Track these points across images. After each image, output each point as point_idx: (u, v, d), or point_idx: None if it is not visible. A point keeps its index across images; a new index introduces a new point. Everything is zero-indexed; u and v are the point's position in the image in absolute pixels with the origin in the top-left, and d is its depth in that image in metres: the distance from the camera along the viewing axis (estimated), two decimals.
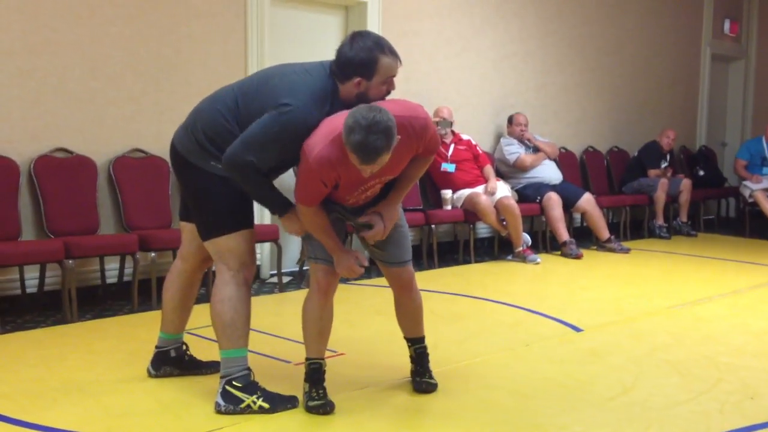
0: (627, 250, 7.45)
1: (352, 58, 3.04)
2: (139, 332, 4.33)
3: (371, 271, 6.48)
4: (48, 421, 3.03)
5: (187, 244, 3.48)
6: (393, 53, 3.11)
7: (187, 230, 3.43)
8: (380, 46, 3.08)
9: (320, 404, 3.17)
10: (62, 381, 3.53)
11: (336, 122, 2.97)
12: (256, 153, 2.98)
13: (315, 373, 3.23)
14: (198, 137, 3.18)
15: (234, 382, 3.15)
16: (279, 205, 3.19)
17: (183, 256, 3.51)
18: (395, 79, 3.18)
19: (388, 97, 3.18)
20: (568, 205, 7.55)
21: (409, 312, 3.50)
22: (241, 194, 3.19)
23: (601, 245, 7.52)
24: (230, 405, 3.13)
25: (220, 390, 3.15)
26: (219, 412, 3.13)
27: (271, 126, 2.99)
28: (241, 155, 3.00)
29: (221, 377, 3.18)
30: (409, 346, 3.55)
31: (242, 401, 3.13)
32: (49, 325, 4.60)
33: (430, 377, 3.50)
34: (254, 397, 3.14)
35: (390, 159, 2.92)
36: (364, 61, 3.03)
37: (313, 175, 2.96)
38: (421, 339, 3.54)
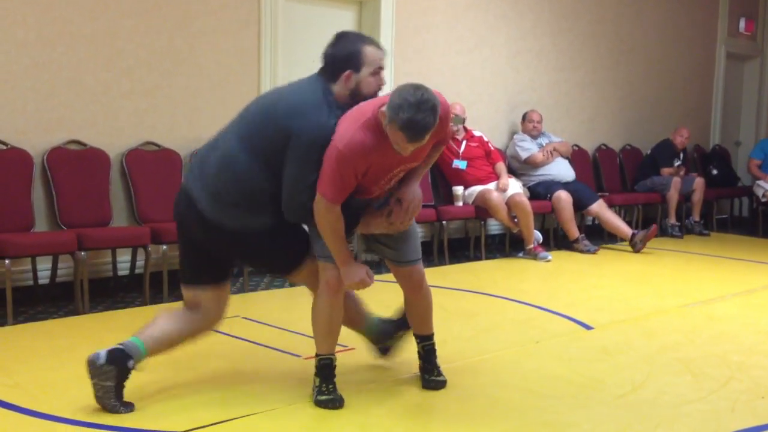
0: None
1: (337, 53, 3.12)
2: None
3: (381, 266, 6.49)
4: (59, 412, 3.06)
5: (211, 307, 3.28)
6: (376, 44, 3.17)
7: (209, 296, 3.27)
8: (362, 37, 3.19)
9: (330, 399, 3.18)
10: (73, 372, 3.54)
11: (363, 109, 3.00)
12: (308, 187, 3.01)
13: (325, 369, 3.24)
14: (237, 201, 3.10)
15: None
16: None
17: (208, 318, 3.31)
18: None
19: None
20: (580, 207, 7.52)
21: (419, 310, 3.50)
22: (292, 225, 3.20)
23: (632, 243, 7.30)
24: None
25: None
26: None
27: (302, 155, 3.01)
28: (298, 199, 3.04)
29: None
30: (417, 343, 3.54)
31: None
32: (61, 317, 4.63)
33: (439, 374, 3.50)
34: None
35: None
36: (349, 53, 3.10)
37: (347, 164, 2.94)
38: (430, 336, 3.53)
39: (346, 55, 3.09)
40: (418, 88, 2.88)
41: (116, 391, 3.05)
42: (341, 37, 3.18)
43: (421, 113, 2.82)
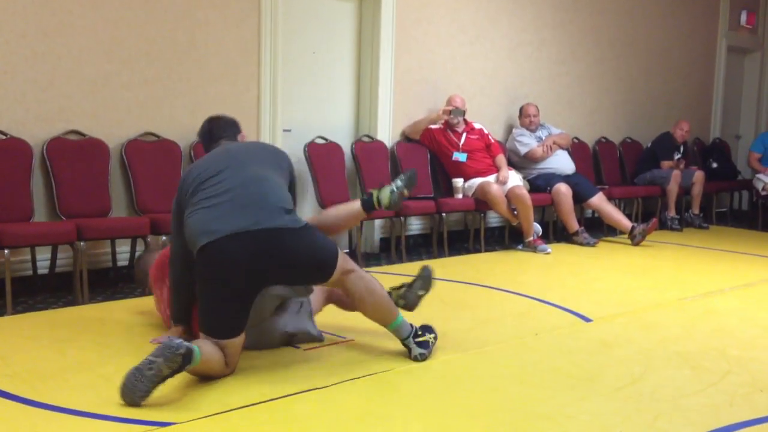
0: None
1: (229, 118, 3.97)
2: (150, 315, 4.35)
3: (380, 259, 6.50)
4: (59, 402, 3.06)
5: (233, 353, 3.38)
6: None
7: (236, 343, 3.37)
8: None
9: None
10: (73, 362, 3.56)
11: None
12: None
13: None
14: (288, 207, 3.49)
15: (418, 333, 3.69)
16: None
17: (230, 363, 3.39)
18: None
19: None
20: (580, 200, 7.51)
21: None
22: None
23: (632, 236, 7.30)
24: (427, 348, 3.69)
25: (416, 344, 3.66)
26: (424, 357, 3.65)
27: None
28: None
29: (406, 337, 3.66)
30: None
31: (428, 342, 3.70)
32: (60, 307, 4.63)
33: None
34: (432, 336, 3.72)
35: None
36: (232, 119, 3.99)
37: None
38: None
39: (233, 120, 3.97)
40: None
41: (161, 382, 3.03)
42: (215, 118, 3.97)
43: None
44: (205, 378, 3.32)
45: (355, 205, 3.92)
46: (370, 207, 3.87)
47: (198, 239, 3.32)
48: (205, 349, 3.24)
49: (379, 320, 3.66)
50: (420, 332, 3.70)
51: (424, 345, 3.67)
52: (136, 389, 2.98)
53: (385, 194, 3.83)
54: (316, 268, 3.47)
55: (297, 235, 3.39)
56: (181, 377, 3.35)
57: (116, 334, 4.02)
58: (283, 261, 3.35)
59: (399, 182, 3.88)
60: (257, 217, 3.33)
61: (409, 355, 3.66)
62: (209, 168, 3.54)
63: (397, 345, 3.72)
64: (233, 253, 3.27)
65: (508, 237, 7.33)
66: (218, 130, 3.86)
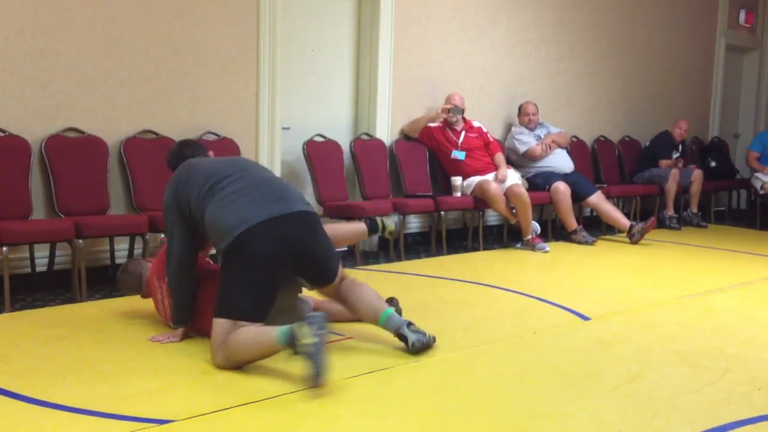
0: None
1: (197, 142, 4.35)
2: (149, 313, 4.34)
3: (378, 257, 6.49)
4: (57, 399, 3.05)
5: None
6: None
7: None
8: None
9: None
10: (71, 359, 3.55)
11: None
12: None
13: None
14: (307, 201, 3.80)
15: (412, 323, 3.74)
16: None
17: None
18: None
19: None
20: (578, 198, 7.51)
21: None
22: None
23: (630, 234, 7.30)
24: (424, 336, 3.69)
25: (411, 331, 3.68)
26: (422, 343, 3.67)
27: None
28: None
29: (399, 327, 3.70)
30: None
31: (424, 332, 3.72)
32: (59, 304, 4.63)
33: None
34: (431, 338, 3.75)
35: None
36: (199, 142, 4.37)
37: None
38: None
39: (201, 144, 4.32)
40: None
41: None
42: (187, 140, 4.31)
43: None
44: (243, 367, 3.41)
45: (361, 226, 4.55)
46: (375, 230, 4.52)
47: (234, 229, 3.44)
48: None
49: (371, 318, 3.75)
50: (414, 324, 3.76)
51: (420, 333, 3.70)
52: (326, 361, 3.14)
53: (391, 223, 4.54)
54: (327, 269, 3.70)
55: (320, 223, 3.72)
56: (181, 374, 3.36)
57: (114, 332, 4.02)
58: (312, 242, 3.60)
59: (395, 218, 4.60)
60: (287, 203, 3.58)
61: (406, 346, 3.66)
62: (219, 170, 3.67)
63: (396, 343, 3.72)
64: (272, 235, 3.45)
65: (507, 235, 7.33)
66: (190, 150, 4.08)
